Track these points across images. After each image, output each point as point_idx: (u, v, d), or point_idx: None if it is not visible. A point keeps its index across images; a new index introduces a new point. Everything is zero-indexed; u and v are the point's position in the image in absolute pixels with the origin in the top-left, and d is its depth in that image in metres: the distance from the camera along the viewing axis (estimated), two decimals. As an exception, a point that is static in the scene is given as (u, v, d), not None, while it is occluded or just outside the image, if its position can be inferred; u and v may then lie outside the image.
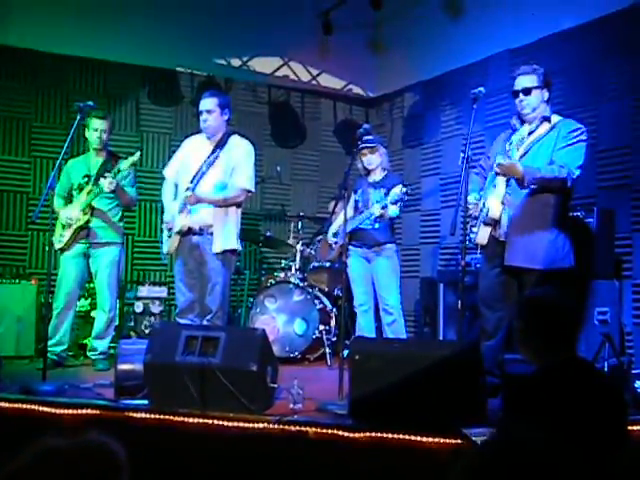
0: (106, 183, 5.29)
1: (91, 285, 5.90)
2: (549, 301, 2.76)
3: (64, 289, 5.45)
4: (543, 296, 2.87)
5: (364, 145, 5.50)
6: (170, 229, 5.03)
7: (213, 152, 5.00)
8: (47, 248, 5.84)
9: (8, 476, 1.17)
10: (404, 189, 5.24)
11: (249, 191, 5.06)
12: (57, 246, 5.49)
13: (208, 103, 5.02)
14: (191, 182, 4.94)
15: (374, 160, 5.62)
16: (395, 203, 5.28)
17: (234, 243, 4.97)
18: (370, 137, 5.39)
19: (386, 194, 5.41)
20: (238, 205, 5.04)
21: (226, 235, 4.92)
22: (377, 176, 5.67)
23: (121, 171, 5.31)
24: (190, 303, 5.00)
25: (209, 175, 4.96)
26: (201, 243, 4.93)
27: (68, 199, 5.58)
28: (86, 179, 5.53)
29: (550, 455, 1.34)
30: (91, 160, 5.61)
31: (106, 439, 1.26)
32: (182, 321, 4.97)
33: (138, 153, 5.38)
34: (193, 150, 5.14)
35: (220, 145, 5.02)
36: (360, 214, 5.53)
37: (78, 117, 4.99)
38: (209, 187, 4.94)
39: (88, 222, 5.47)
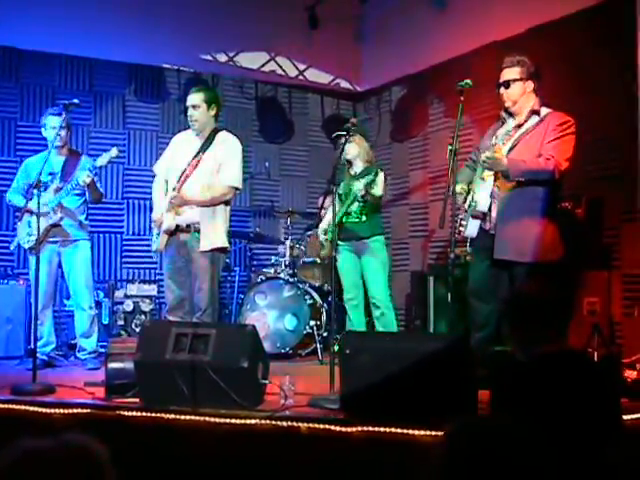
0: (83, 177, 5.26)
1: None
2: (536, 293, 2.77)
3: (40, 289, 5.33)
4: (530, 288, 2.88)
5: (338, 133, 5.46)
6: (159, 227, 5.01)
7: (199, 150, 4.96)
8: (12, 248, 5.79)
9: None
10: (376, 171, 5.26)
11: (236, 188, 5.01)
12: (26, 245, 5.46)
13: (194, 98, 4.97)
14: (177, 182, 4.92)
15: (351, 150, 5.56)
16: (371, 183, 5.27)
17: (222, 241, 4.92)
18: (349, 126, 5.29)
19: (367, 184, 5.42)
20: (226, 203, 5.00)
21: (214, 233, 4.87)
22: (358, 167, 5.65)
23: (97, 167, 5.30)
24: (180, 301, 4.97)
25: (195, 176, 4.91)
26: (189, 241, 4.89)
27: (27, 197, 5.52)
28: (51, 177, 5.47)
29: (534, 445, 1.35)
30: (52, 158, 5.37)
31: (88, 440, 1.23)
32: (172, 319, 4.94)
33: (115, 149, 5.35)
34: (180, 147, 5.11)
35: (207, 142, 4.98)
36: (342, 206, 5.51)
37: (64, 115, 4.97)
38: (195, 188, 4.90)
39: (61, 220, 5.44)
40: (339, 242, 5.43)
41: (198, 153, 4.95)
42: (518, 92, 4.31)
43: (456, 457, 1.32)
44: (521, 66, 4.33)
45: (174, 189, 4.91)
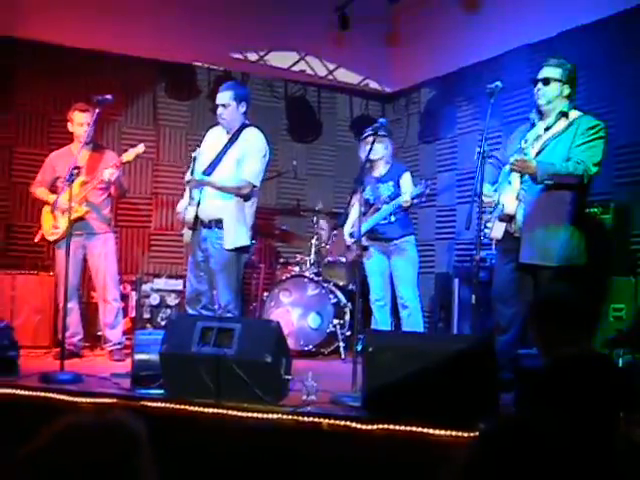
0: (108, 173, 5.36)
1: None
2: (563, 296, 2.77)
3: (65, 282, 5.39)
4: (557, 291, 2.88)
5: (370, 133, 5.47)
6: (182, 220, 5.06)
7: (226, 145, 5.00)
8: (36, 240, 5.85)
9: (30, 453, 1.20)
10: (423, 183, 5.25)
11: (253, 185, 4.96)
12: (51, 238, 5.55)
13: (223, 97, 4.99)
14: (203, 173, 4.94)
15: (379, 150, 5.57)
16: (415, 198, 5.29)
17: (245, 239, 4.91)
18: (378, 125, 5.27)
19: (395, 186, 5.42)
20: (246, 198, 4.94)
21: (237, 231, 4.86)
22: (382, 169, 5.66)
23: (124, 163, 5.38)
24: (196, 295, 4.99)
25: (221, 167, 4.94)
26: (209, 237, 4.89)
27: (53, 191, 5.61)
28: (76, 171, 5.53)
29: (565, 444, 1.33)
30: (78, 152, 5.43)
31: (127, 417, 1.28)
32: (189, 311, 5.00)
33: (142, 145, 5.43)
34: (210, 141, 5.15)
35: (233, 137, 5.01)
36: (377, 211, 5.53)
37: (96, 110, 5.04)
38: (215, 178, 4.93)
39: (86, 213, 5.52)
40: (368, 243, 5.47)
41: (224, 148, 4.99)
42: (554, 92, 4.30)
43: (492, 458, 1.28)
44: (563, 69, 4.32)
45: (188, 181, 4.94)
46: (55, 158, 5.76)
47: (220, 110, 5.00)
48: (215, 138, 5.14)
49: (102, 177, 5.41)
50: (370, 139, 5.48)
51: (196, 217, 4.92)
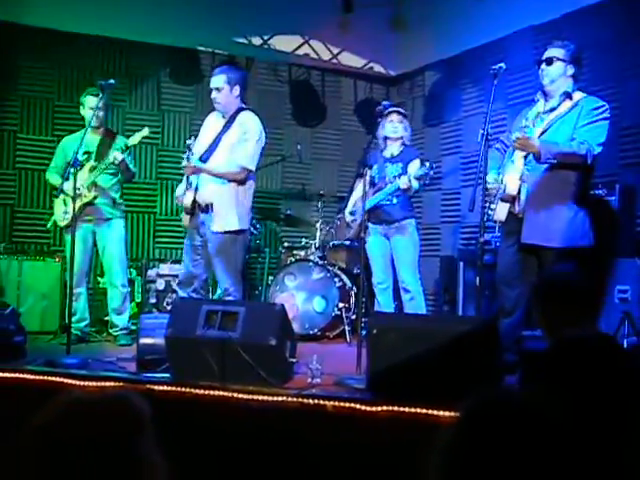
0: (115, 155, 5.38)
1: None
2: (565, 277, 2.77)
3: (75, 267, 5.42)
4: (559, 272, 2.88)
5: (396, 109, 5.44)
6: (180, 203, 5.09)
7: (222, 130, 5.01)
8: (49, 226, 5.86)
9: (35, 429, 1.22)
10: (428, 164, 5.22)
11: (249, 169, 4.97)
12: (62, 223, 5.57)
13: (216, 80, 5.00)
14: (200, 159, 4.96)
15: (400, 129, 5.57)
16: (419, 179, 5.25)
17: (237, 223, 4.89)
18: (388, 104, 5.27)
19: (403, 168, 5.40)
20: (241, 183, 4.95)
21: (229, 215, 4.87)
22: (394, 150, 5.63)
23: (130, 146, 5.39)
24: (189, 277, 5.03)
25: (217, 152, 4.97)
26: (206, 221, 4.93)
27: (64, 176, 5.62)
28: (86, 156, 5.56)
29: (568, 424, 1.29)
30: (88, 137, 5.46)
31: (131, 394, 1.30)
32: (180, 293, 5.05)
33: (146, 128, 5.45)
34: (207, 126, 5.18)
35: (229, 122, 5.01)
36: (379, 190, 5.51)
37: (100, 95, 5.04)
38: (211, 164, 4.95)
39: (95, 198, 5.53)
40: (369, 224, 5.44)
41: (220, 133, 5.00)
42: (558, 72, 4.28)
43: (477, 437, 1.21)
44: (567, 49, 4.30)
45: (185, 167, 4.95)
46: (66, 143, 5.77)
47: (214, 94, 5.01)
48: (212, 123, 5.15)
49: (109, 160, 5.42)
50: (395, 117, 5.46)
51: (194, 202, 4.94)
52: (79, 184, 5.38)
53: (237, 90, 5.01)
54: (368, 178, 5.50)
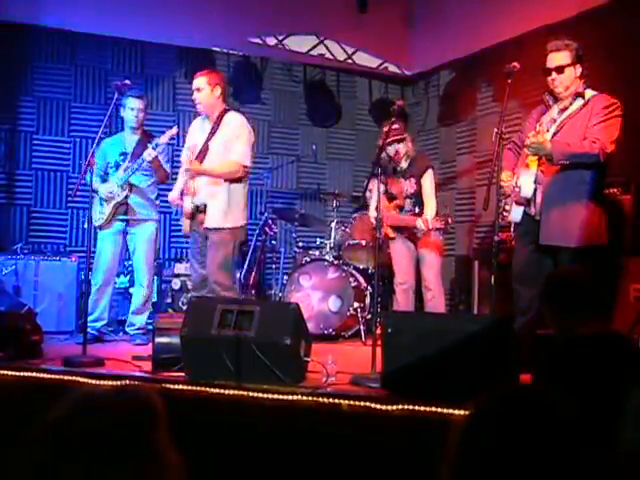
0: (146, 153, 5.41)
1: (129, 262, 6.02)
2: (575, 275, 2.76)
3: (102, 266, 5.58)
4: (569, 271, 2.88)
5: (392, 138, 5.43)
6: (175, 206, 5.25)
7: (209, 134, 5.08)
8: (86, 225, 5.96)
9: (49, 425, 1.23)
10: (443, 220, 5.24)
11: (245, 166, 5.06)
12: (97, 223, 5.61)
13: (197, 82, 5.09)
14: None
15: (401, 150, 5.59)
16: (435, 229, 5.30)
17: (234, 220, 5.00)
18: (396, 127, 5.28)
19: (416, 183, 5.43)
20: (237, 181, 5.05)
21: (218, 212, 4.96)
22: (403, 164, 5.65)
23: (159, 145, 5.43)
24: (202, 279, 5.08)
25: (210, 155, 5.03)
26: (204, 221, 5.00)
27: (104, 177, 5.69)
28: (123, 157, 5.65)
29: (581, 422, 1.28)
30: (127, 139, 5.72)
31: (143, 388, 1.30)
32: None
33: (175, 127, 5.52)
34: (194, 132, 5.25)
35: (215, 125, 5.09)
36: (398, 208, 5.57)
37: (115, 96, 5.08)
38: (212, 165, 5.03)
39: (127, 198, 5.59)
40: (394, 234, 5.52)
41: (209, 136, 5.07)
42: (571, 77, 4.25)
43: (495, 434, 1.20)
44: (570, 50, 4.26)
45: (187, 170, 5.06)
46: (105, 145, 5.81)
47: (195, 95, 5.11)
48: (198, 128, 5.24)
49: (142, 160, 5.46)
50: (388, 140, 5.47)
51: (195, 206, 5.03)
52: (114, 185, 5.47)
53: (218, 91, 5.09)
54: (382, 188, 5.54)
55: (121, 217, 5.61)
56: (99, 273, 5.59)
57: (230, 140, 5.04)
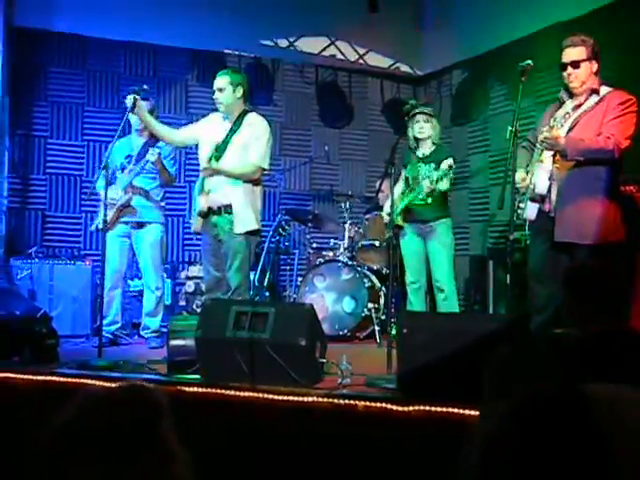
0: (149, 154, 5.40)
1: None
2: (594, 270, 2.74)
3: (110, 269, 5.51)
4: (588, 266, 2.85)
5: (420, 110, 5.44)
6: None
7: (229, 134, 5.03)
8: (93, 228, 5.98)
9: (56, 429, 1.22)
10: (449, 163, 5.20)
11: (263, 168, 5.04)
12: (101, 226, 5.62)
13: (219, 82, 5.04)
14: (208, 162, 4.98)
15: (426, 130, 5.55)
16: (441, 179, 5.22)
17: (254, 224, 4.97)
18: (416, 103, 5.31)
19: (435, 168, 5.36)
20: (255, 183, 5.02)
21: (247, 216, 4.92)
22: (426, 149, 5.60)
23: (163, 147, 5.43)
24: (216, 281, 5.06)
25: (228, 155, 4.98)
26: (219, 223, 4.97)
27: (111, 180, 5.68)
28: (128, 159, 5.64)
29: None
30: (133, 141, 5.72)
31: (147, 385, 1.30)
32: None
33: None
34: (212, 127, 5.17)
35: (235, 125, 5.05)
36: (410, 191, 5.50)
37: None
38: (230, 165, 4.98)
39: (130, 200, 5.58)
40: (404, 224, 5.44)
41: (228, 136, 5.02)
42: (586, 72, 4.22)
43: (530, 434, 1.16)
44: (587, 46, 4.23)
45: (205, 168, 4.99)
46: (114, 147, 5.82)
47: (216, 94, 5.05)
48: (216, 126, 5.16)
49: (146, 161, 5.45)
50: (420, 117, 5.46)
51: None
52: (118, 187, 5.48)
53: (239, 92, 5.04)
54: (402, 177, 5.52)
55: (125, 219, 5.60)
56: (107, 276, 5.56)
57: (250, 141, 4.99)
